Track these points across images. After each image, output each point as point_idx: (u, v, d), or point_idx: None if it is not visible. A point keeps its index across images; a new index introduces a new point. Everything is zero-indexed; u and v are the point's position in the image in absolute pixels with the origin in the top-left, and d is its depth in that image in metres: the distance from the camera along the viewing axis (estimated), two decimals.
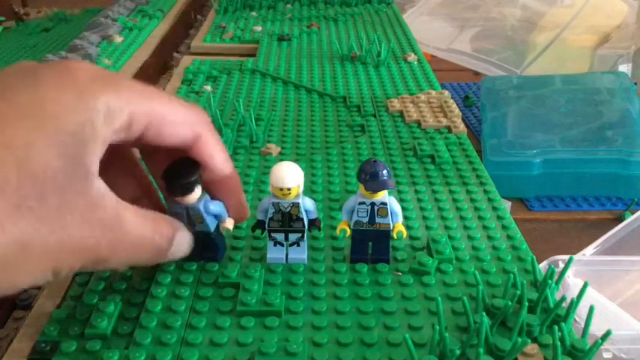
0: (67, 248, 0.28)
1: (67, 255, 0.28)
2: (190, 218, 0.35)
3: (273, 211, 0.37)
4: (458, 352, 0.31)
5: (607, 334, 0.31)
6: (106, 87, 0.29)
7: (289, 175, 0.35)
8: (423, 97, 0.66)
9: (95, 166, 0.29)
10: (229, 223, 0.37)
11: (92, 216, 0.28)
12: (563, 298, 0.33)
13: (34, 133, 0.26)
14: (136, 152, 0.37)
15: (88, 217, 0.28)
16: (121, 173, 0.35)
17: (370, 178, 0.36)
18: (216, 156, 0.35)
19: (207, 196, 0.36)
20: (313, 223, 0.38)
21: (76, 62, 0.30)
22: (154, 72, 0.87)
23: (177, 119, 0.32)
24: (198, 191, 0.35)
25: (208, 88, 0.70)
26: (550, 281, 0.35)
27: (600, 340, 0.30)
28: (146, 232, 0.32)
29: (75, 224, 0.28)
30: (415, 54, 0.81)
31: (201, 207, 0.35)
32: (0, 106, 0.26)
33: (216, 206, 0.36)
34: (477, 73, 1.22)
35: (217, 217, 0.37)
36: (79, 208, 0.28)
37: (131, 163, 0.37)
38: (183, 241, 0.35)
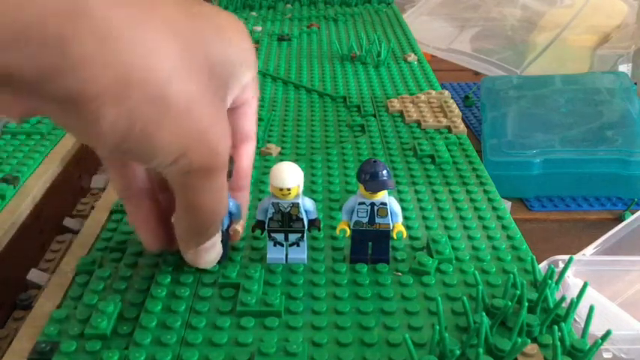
0: (208, 136, 0.29)
1: (203, 143, 0.29)
2: None
3: (273, 211, 0.37)
4: (458, 352, 0.31)
5: (607, 334, 0.31)
6: (251, 44, 0.33)
7: (289, 176, 0.35)
8: (423, 97, 0.66)
9: (228, 104, 0.32)
10: (240, 226, 0.38)
11: (226, 130, 0.30)
12: (563, 298, 0.33)
13: (215, 39, 0.29)
14: None
15: (225, 127, 0.30)
16: None
17: (370, 178, 0.36)
18: (249, 167, 0.37)
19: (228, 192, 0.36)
20: (313, 223, 0.38)
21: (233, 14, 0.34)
22: None
23: (256, 113, 0.37)
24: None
25: None
26: (550, 281, 0.35)
27: (600, 340, 0.30)
28: (224, 185, 0.33)
29: (220, 123, 0.29)
30: (415, 54, 0.81)
31: None
32: (200, 7, 0.30)
33: (233, 205, 0.36)
34: (477, 73, 1.22)
35: (231, 216, 0.37)
36: (223, 115, 0.30)
37: None
38: (219, 247, 0.37)
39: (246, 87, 0.34)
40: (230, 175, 0.35)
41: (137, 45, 0.25)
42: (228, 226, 0.37)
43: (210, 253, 0.36)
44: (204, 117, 0.28)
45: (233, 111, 0.35)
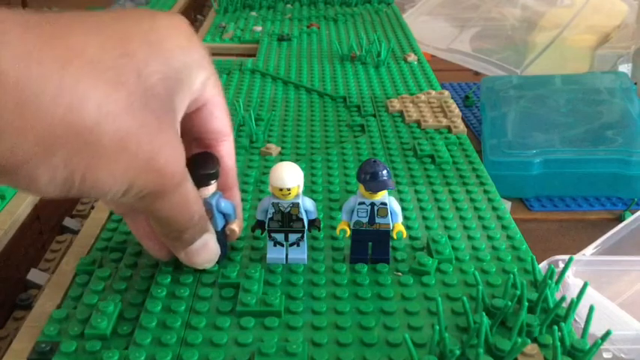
0: (153, 164, 0.29)
1: (149, 172, 0.29)
2: None
3: (273, 211, 0.37)
4: (458, 352, 0.31)
5: (607, 334, 0.31)
6: (201, 44, 0.33)
7: (289, 176, 0.35)
8: (423, 97, 0.66)
9: (180, 112, 0.31)
10: (236, 225, 0.37)
11: (175, 149, 0.30)
12: (563, 298, 0.33)
13: (151, 56, 0.29)
14: None
15: (173, 147, 0.30)
16: None
17: (370, 178, 0.36)
18: (233, 164, 0.37)
19: (219, 194, 0.36)
20: (313, 223, 0.38)
21: (179, 15, 0.33)
22: None
23: (226, 110, 0.36)
24: (214, 186, 0.35)
25: None
26: (550, 281, 0.35)
27: (600, 340, 0.30)
28: (193, 196, 0.33)
29: (164, 146, 0.29)
30: (415, 54, 0.81)
31: (214, 202, 0.36)
32: (129, 28, 0.29)
33: (227, 205, 0.36)
34: (477, 73, 1.22)
35: (225, 218, 0.37)
36: (169, 135, 0.30)
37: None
38: (212, 246, 0.36)
39: (203, 87, 0.33)
40: (217, 176, 0.35)
41: (57, 98, 0.24)
42: (224, 227, 0.37)
43: (202, 254, 0.36)
44: (145, 146, 0.28)
45: (196, 114, 0.34)
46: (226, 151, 0.37)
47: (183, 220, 0.33)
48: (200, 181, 0.34)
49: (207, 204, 0.36)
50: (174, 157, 0.30)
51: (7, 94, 0.23)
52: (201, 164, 0.35)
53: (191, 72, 0.31)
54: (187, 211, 0.33)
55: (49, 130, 0.24)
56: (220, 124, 0.36)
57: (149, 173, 0.29)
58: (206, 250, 0.36)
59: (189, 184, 0.32)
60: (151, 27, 0.30)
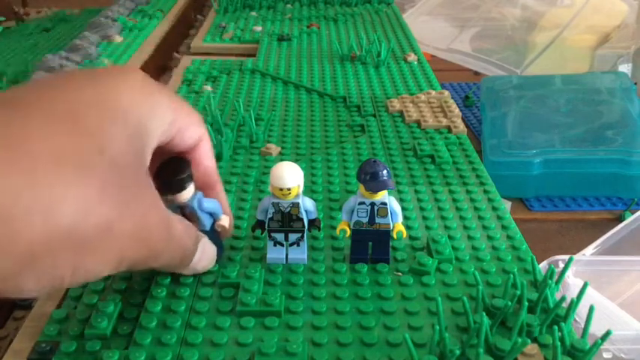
0: (137, 236, 0.28)
1: (134, 243, 0.28)
2: (186, 218, 0.35)
3: (273, 211, 0.37)
4: (458, 352, 0.31)
5: (607, 334, 0.31)
6: (160, 89, 0.32)
7: (289, 176, 0.35)
8: (423, 97, 0.66)
9: (148, 160, 0.30)
10: (225, 220, 0.37)
11: (156, 211, 0.30)
12: (563, 298, 0.33)
13: (108, 123, 0.27)
14: None
15: (154, 211, 0.29)
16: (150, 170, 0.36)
17: (370, 178, 0.36)
18: (211, 162, 0.37)
19: (200, 194, 0.36)
20: (313, 223, 0.38)
21: (124, 67, 0.32)
22: (154, 72, 0.87)
23: (192, 121, 0.34)
24: (191, 188, 0.35)
25: (208, 88, 0.70)
26: (550, 281, 0.35)
27: (600, 340, 0.30)
28: (185, 235, 0.33)
29: (144, 214, 0.29)
30: (415, 54, 0.81)
31: (195, 204, 0.35)
32: (69, 101, 0.27)
33: (209, 203, 0.36)
34: (477, 73, 1.22)
35: (212, 216, 0.37)
36: (147, 201, 0.29)
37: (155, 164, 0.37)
38: (209, 249, 0.36)
39: (169, 128, 0.32)
40: (191, 178, 0.35)
41: (31, 210, 0.24)
42: (213, 225, 0.37)
43: (202, 261, 0.36)
44: (128, 226, 0.27)
45: (166, 144, 0.34)
46: (202, 153, 0.36)
47: (180, 259, 0.34)
48: (175, 187, 0.34)
49: (188, 207, 0.35)
50: (158, 221, 0.30)
51: None
52: (173, 170, 0.34)
53: (152, 122, 0.30)
54: (181, 252, 0.33)
55: (29, 244, 0.24)
56: (189, 140, 0.35)
57: (136, 248, 0.29)
58: (205, 256, 0.36)
59: (178, 232, 0.32)
60: (101, 89, 0.29)
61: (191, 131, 0.34)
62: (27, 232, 0.24)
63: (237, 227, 0.42)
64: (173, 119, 0.32)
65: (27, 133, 0.25)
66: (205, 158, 0.36)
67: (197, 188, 0.36)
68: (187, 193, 0.35)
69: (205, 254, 0.36)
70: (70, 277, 0.26)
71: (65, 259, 0.25)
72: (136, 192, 0.28)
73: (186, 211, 0.35)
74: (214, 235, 0.37)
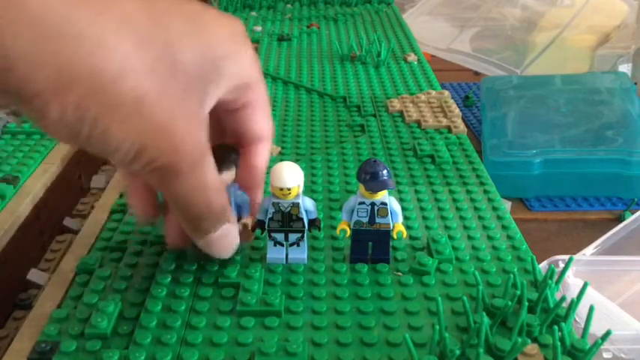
0: (167, 133, 0.28)
1: (162, 140, 0.28)
2: None
3: (273, 211, 0.37)
4: (458, 352, 0.31)
5: (607, 334, 0.31)
6: (250, 47, 0.33)
7: (289, 175, 0.35)
8: (423, 97, 0.66)
9: (211, 102, 0.31)
10: (249, 220, 0.37)
11: (196, 127, 0.30)
12: (563, 298, 0.33)
13: (187, 35, 0.29)
14: None
15: (194, 125, 0.30)
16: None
17: (370, 178, 0.36)
18: (263, 166, 0.37)
19: (236, 186, 0.36)
20: (313, 223, 0.38)
21: (234, 16, 0.34)
22: None
23: (268, 114, 0.36)
24: (230, 175, 0.35)
25: None
26: (550, 281, 0.35)
27: (600, 340, 0.30)
28: (215, 184, 0.32)
29: (184, 119, 0.29)
30: (415, 54, 0.81)
31: (231, 190, 0.35)
32: (169, 4, 0.29)
33: (243, 197, 0.36)
34: (477, 73, 1.22)
35: (239, 209, 0.36)
36: (192, 112, 0.30)
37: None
38: (233, 237, 0.36)
39: (245, 88, 0.33)
40: (232, 167, 0.35)
41: (81, 39, 0.25)
42: (238, 220, 0.37)
43: (219, 244, 0.35)
44: (162, 113, 0.28)
45: (235, 114, 0.35)
46: (259, 152, 0.37)
47: (202, 207, 0.33)
48: (229, 163, 0.35)
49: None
50: (192, 132, 0.30)
51: (23, 24, 0.23)
52: (217, 151, 0.34)
53: (230, 66, 0.31)
54: (205, 197, 0.32)
55: (67, 68, 0.24)
56: (258, 128, 0.36)
57: (162, 141, 0.28)
58: (224, 242, 0.35)
59: (208, 168, 0.32)
60: (199, 13, 0.30)
61: (262, 121, 0.35)
62: (68, 57, 0.24)
63: None
64: (248, 84, 0.33)
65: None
66: (258, 157, 0.37)
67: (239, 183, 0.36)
68: (230, 175, 0.35)
69: (227, 240, 0.35)
70: (90, 127, 0.26)
71: (93, 104, 0.26)
72: (183, 96, 0.29)
73: None
74: None
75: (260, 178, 0.38)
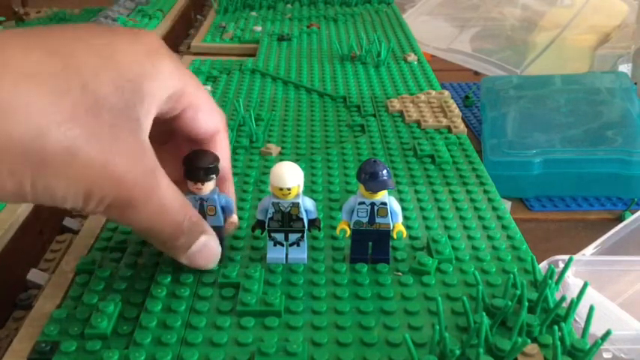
0: (108, 172, 0.28)
1: (105, 180, 0.29)
2: (204, 210, 0.36)
3: (273, 211, 0.37)
4: (458, 352, 0.31)
5: (607, 334, 0.31)
6: (171, 57, 0.33)
7: (289, 175, 0.35)
8: (423, 97, 0.66)
9: (147, 123, 0.31)
10: (235, 219, 0.38)
11: (136, 157, 0.30)
12: (563, 298, 0.33)
13: (101, 68, 0.29)
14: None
15: (133, 155, 0.30)
16: (169, 157, 0.36)
17: (370, 178, 0.36)
18: (226, 156, 0.37)
19: (216, 188, 0.36)
20: (313, 223, 0.38)
21: (147, 31, 0.33)
22: None
23: (212, 109, 0.35)
24: (214, 181, 0.36)
25: (208, 87, 0.70)
26: (550, 281, 0.35)
27: (600, 340, 0.30)
28: (175, 204, 0.33)
29: (121, 154, 0.29)
30: (415, 54, 0.81)
31: (215, 197, 0.36)
32: (76, 43, 0.29)
33: (227, 200, 0.37)
34: (477, 73, 1.22)
35: (224, 211, 0.37)
36: (127, 143, 0.29)
37: (179, 152, 0.37)
38: (214, 247, 0.36)
39: (176, 96, 0.33)
40: (217, 171, 0.35)
41: None
42: (223, 222, 0.37)
43: (202, 256, 0.36)
44: (97, 155, 0.28)
45: (180, 117, 0.35)
46: (217, 143, 0.37)
47: (169, 229, 0.33)
48: (206, 175, 0.35)
49: (209, 200, 0.36)
50: (133, 163, 0.30)
51: None
52: (200, 160, 0.35)
53: (152, 83, 0.31)
54: (169, 219, 0.33)
55: None
56: (205, 125, 0.36)
57: (106, 181, 0.29)
58: (207, 251, 0.36)
59: (165, 190, 0.32)
60: (106, 42, 0.30)
61: (208, 117, 0.35)
62: None
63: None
64: (180, 90, 0.33)
65: (9, 46, 0.26)
66: (221, 151, 0.36)
67: None
68: (211, 185, 0.35)
69: (208, 250, 0.36)
70: (31, 189, 0.27)
71: (24, 168, 0.26)
72: (114, 132, 0.29)
73: (205, 204, 0.36)
74: (221, 232, 0.37)
75: (229, 172, 0.38)
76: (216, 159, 0.36)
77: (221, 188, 0.37)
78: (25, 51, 0.26)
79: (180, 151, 0.36)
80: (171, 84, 0.32)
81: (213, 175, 0.35)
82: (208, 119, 0.35)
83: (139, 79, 0.30)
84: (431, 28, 1.28)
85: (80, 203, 0.29)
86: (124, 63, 0.30)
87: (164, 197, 0.32)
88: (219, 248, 0.37)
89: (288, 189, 0.36)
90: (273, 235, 0.38)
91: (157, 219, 0.32)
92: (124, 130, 0.29)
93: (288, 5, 1.08)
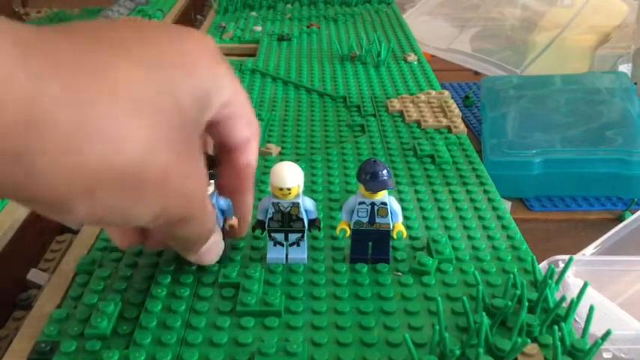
0: (182, 192, 0.28)
1: (179, 199, 0.28)
2: None
3: (273, 211, 0.37)
4: (458, 352, 0.31)
5: (607, 334, 0.31)
6: (226, 62, 0.32)
7: (289, 175, 0.35)
8: (423, 97, 0.66)
9: (202, 129, 0.31)
10: (235, 221, 0.38)
11: (202, 175, 0.30)
12: (563, 298, 0.33)
13: (185, 79, 0.28)
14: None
15: (199, 174, 0.30)
16: None
17: (370, 178, 0.36)
18: (256, 159, 0.36)
19: (217, 193, 0.36)
20: (313, 223, 0.38)
21: (205, 35, 0.32)
22: None
23: (250, 120, 0.34)
24: (212, 186, 0.35)
25: None
26: (550, 281, 0.35)
27: (600, 340, 0.30)
28: (212, 210, 0.33)
29: (192, 174, 0.29)
30: (415, 54, 0.81)
31: (214, 199, 0.36)
32: (158, 52, 0.28)
33: (225, 202, 0.37)
34: (477, 73, 1.22)
35: (224, 214, 0.37)
36: (197, 161, 0.29)
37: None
38: (220, 244, 0.36)
39: (225, 104, 0.32)
40: (214, 177, 0.35)
41: (99, 138, 0.24)
42: (223, 224, 0.37)
43: (212, 253, 0.36)
44: (180, 178, 0.28)
45: (216, 126, 0.34)
46: (250, 153, 0.36)
47: (204, 236, 0.34)
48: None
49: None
50: (200, 183, 0.30)
51: (51, 136, 0.22)
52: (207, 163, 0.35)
53: (218, 91, 0.31)
54: (207, 229, 0.34)
55: (93, 170, 0.24)
56: (239, 134, 0.35)
57: (179, 201, 0.29)
58: (215, 248, 0.36)
59: (210, 205, 0.33)
60: (183, 49, 0.29)
61: (244, 126, 0.34)
62: (88, 160, 0.24)
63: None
64: (229, 100, 0.32)
65: (114, 66, 0.25)
66: (251, 159, 0.36)
67: (229, 190, 0.36)
68: (210, 188, 0.35)
69: (216, 247, 0.36)
70: (113, 217, 0.27)
71: (120, 197, 0.25)
72: (191, 150, 0.29)
73: None
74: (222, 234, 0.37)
75: (252, 181, 0.37)
76: (216, 165, 0.35)
77: (238, 198, 0.37)
78: (130, 71, 0.25)
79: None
80: (225, 94, 0.32)
81: (212, 181, 0.35)
82: (245, 129, 0.35)
83: (209, 89, 0.30)
84: (431, 28, 1.28)
85: (148, 221, 0.28)
86: (200, 72, 0.29)
87: (212, 212, 0.33)
88: (223, 244, 0.37)
89: (288, 189, 0.36)
90: (273, 235, 0.38)
91: (199, 229, 0.33)
92: (194, 146, 0.29)
93: (288, 5, 1.08)
